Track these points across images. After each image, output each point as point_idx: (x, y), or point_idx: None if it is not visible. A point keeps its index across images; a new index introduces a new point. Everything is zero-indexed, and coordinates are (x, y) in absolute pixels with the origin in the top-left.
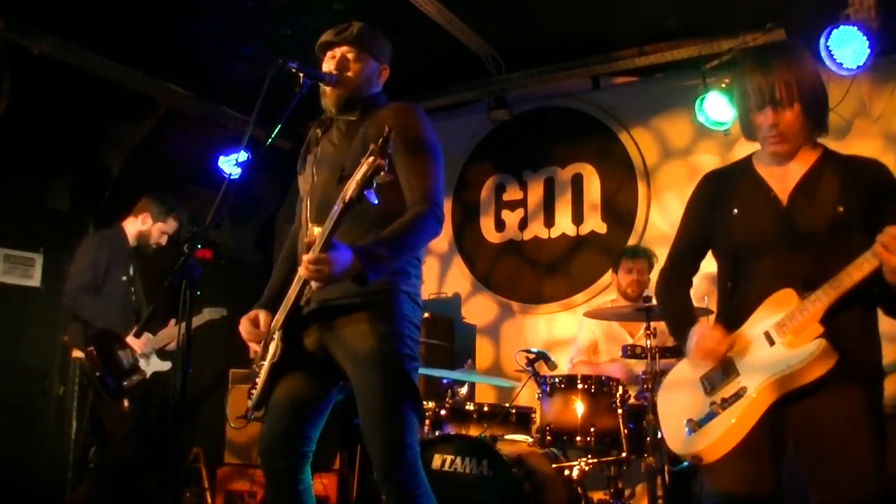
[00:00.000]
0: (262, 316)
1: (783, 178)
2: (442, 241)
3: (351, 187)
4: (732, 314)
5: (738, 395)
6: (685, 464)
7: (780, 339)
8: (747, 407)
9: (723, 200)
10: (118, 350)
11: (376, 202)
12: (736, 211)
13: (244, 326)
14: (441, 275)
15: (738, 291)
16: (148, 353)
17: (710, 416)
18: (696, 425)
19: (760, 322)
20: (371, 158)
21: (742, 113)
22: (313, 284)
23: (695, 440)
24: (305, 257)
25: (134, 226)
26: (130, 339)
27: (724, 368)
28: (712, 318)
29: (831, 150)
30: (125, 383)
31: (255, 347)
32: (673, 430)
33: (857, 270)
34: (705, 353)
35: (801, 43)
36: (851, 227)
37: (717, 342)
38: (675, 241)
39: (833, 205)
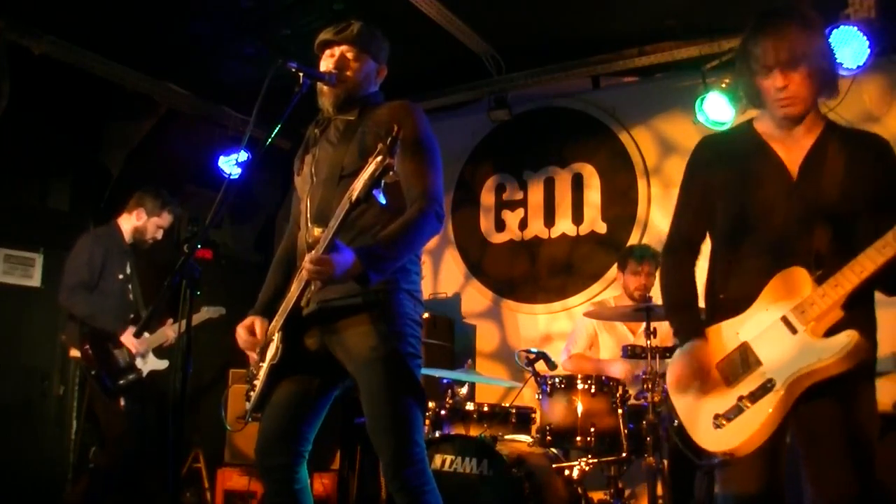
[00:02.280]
0: (259, 324)
1: (791, 148)
2: (441, 240)
3: (358, 186)
4: (734, 290)
5: (765, 389)
6: (715, 460)
7: (803, 328)
8: (778, 401)
9: (726, 169)
10: (114, 349)
11: (384, 202)
12: (742, 180)
13: (240, 335)
14: (440, 274)
15: (740, 265)
16: (144, 352)
17: (737, 411)
18: (724, 420)
19: (774, 304)
20: (380, 157)
21: (746, 78)
22: (314, 284)
23: (726, 436)
24: (308, 257)
25: (129, 222)
26: (127, 339)
27: (742, 356)
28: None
29: (834, 122)
30: (121, 381)
31: (252, 356)
32: (698, 425)
33: (880, 254)
34: (682, 385)
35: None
36: (858, 202)
37: (690, 377)
38: (677, 213)
39: (841, 179)
